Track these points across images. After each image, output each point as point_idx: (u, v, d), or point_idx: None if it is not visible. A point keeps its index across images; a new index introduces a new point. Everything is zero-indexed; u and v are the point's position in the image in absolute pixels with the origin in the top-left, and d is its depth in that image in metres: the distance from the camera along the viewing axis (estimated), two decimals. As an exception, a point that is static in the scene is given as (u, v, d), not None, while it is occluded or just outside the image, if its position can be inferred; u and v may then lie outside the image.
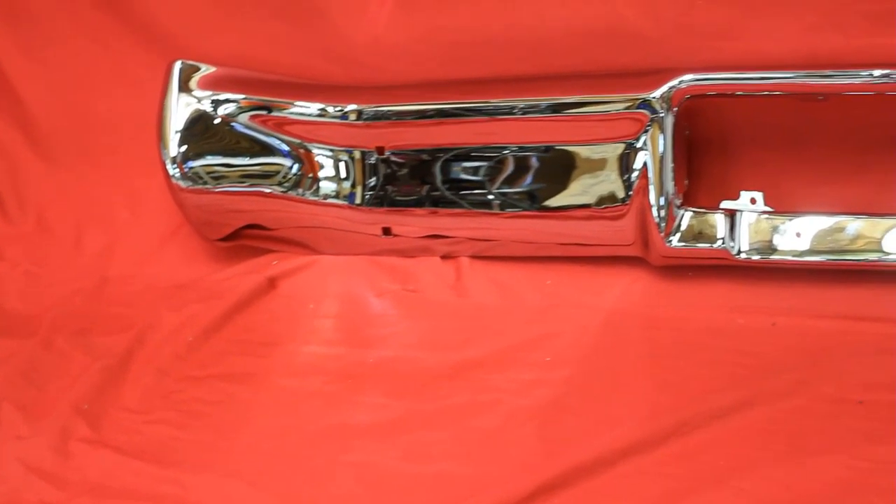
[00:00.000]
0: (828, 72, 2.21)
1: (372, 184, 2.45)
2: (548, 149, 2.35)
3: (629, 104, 2.28)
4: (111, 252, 2.73)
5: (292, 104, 2.45)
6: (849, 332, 2.23)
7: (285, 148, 2.46)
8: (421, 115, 2.41)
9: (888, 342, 2.17)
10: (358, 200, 2.48)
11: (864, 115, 2.31)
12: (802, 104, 2.28)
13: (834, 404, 2.05)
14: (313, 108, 2.44)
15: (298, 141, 2.46)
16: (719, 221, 2.32)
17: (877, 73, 2.17)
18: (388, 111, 2.40)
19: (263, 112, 2.44)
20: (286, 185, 2.48)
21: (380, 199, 2.46)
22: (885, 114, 2.30)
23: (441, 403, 2.18)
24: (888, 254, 2.26)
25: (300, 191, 2.48)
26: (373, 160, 2.44)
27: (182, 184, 2.48)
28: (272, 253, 2.61)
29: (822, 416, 2.04)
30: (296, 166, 2.46)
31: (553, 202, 2.37)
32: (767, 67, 2.24)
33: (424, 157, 2.42)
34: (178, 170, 2.45)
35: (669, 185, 2.27)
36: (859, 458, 1.93)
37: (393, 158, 2.42)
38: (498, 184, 2.39)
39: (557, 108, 2.35)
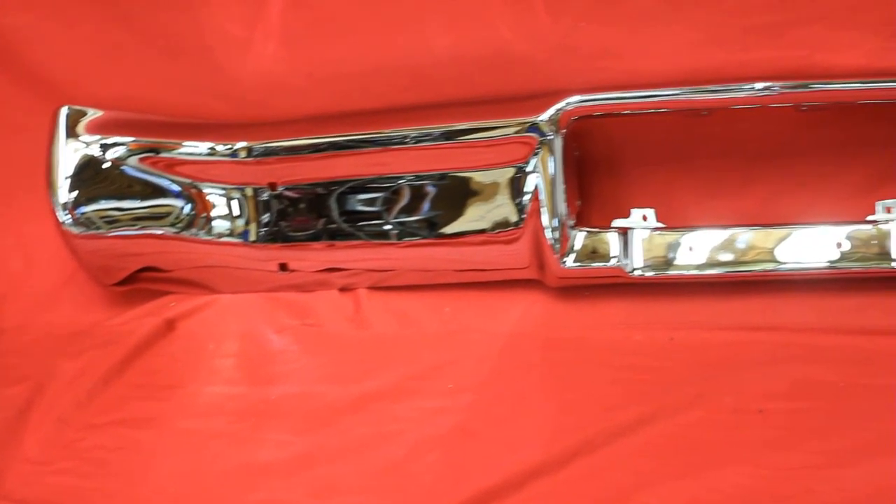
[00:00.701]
0: (710, 87, 2.25)
1: (266, 220, 2.43)
2: (442, 176, 2.36)
3: (518, 128, 2.28)
4: (4, 302, 2.69)
5: (181, 144, 2.43)
6: (746, 343, 2.26)
7: (176, 189, 2.43)
8: (312, 148, 2.40)
9: (784, 350, 2.21)
10: (252, 238, 2.45)
11: (749, 128, 2.35)
12: (688, 120, 2.30)
13: (734, 415, 2.07)
14: (202, 147, 2.41)
15: (189, 181, 2.44)
16: (612, 240, 2.33)
17: (758, 86, 2.21)
18: (278, 147, 2.38)
19: (152, 154, 2.42)
20: (179, 225, 2.44)
21: (274, 236, 2.44)
22: (769, 126, 2.33)
23: (346, 437, 2.17)
24: (781, 263, 2.29)
25: (194, 231, 2.45)
26: (265, 196, 2.42)
27: (74, 230, 2.44)
28: (170, 295, 2.58)
29: (724, 427, 2.06)
30: (188, 206, 2.44)
31: (449, 229, 2.37)
32: (652, 85, 2.26)
33: (319, 190, 2.41)
34: (69, 216, 2.42)
35: (562, 207, 2.27)
36: (761, 466, 1.96)
37: (286, 194, 2.40)
38: (394, 213, 2.38)
39: (449, 136, 2.35)
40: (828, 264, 2.29)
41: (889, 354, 2.17)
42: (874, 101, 2.23)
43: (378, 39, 2.38)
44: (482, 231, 2.34)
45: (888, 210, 2.25)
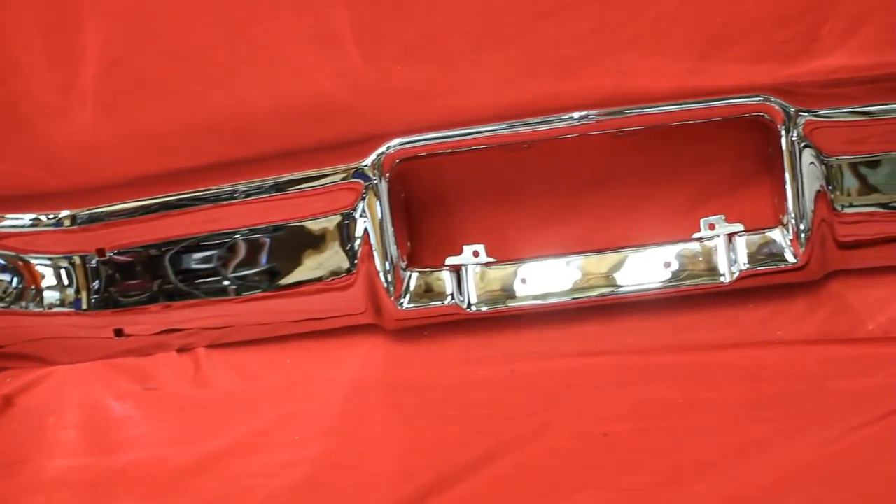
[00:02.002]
0: (529, 120, 2.28)
1: (97, 287, 2.40)
2: (275, 228, 2.34)
3: (343, 175, 2.29)
4: None
5: (4, 217, 2.40)
6: (585, 369, 2.29)
7: (2, 262, 2.39)
8: (141, 210, 2.38)
9: (624, 373, 2.24)
10: (85, 306, 2.42)
11: (571, 158, 2.40)
12: (511, 154, 2.34)
13: (580, 440, 2.11)
14: (26, 218, 2.39)
15: (15, 254, 2.38)
16: (446, 278, 2.34)
17: (576, 115, 2.25)
18: (103, 212, 2.36)
19: (-25, 229, 2.34)
20: (8, 300, 2.41)
21: (107, 302, 2.41)
22: (590, 154, 2.38)
23: (196, 498, 2.16)
24: (614, 287, 2.35)
25: (24, 304, 2.42)
26: (94, 263, 2.37)
27: None
28: (5, 371, 2.53)
29: (570, 453, 2.09)
30: (16, 280, 2.40)
31: (285, 280, 2.37)
32: (472, 123, 2.28)
33: (151, 252, 2.40)
34: None
35: (393, 249, 2.28)
36: (610, 488, 2.00)
37: (116, 259, 2.37)
38: (230, 269, 2.36)
39: (277, 187, 2.33)
40: (659, 284, 2.32)
41: (723, 368, 2.23)
42: (688, 121, 2.27)
43: (196, 97, 2.37)
44: (318, 279, 2.35)
45: (711, 227, 2.29)
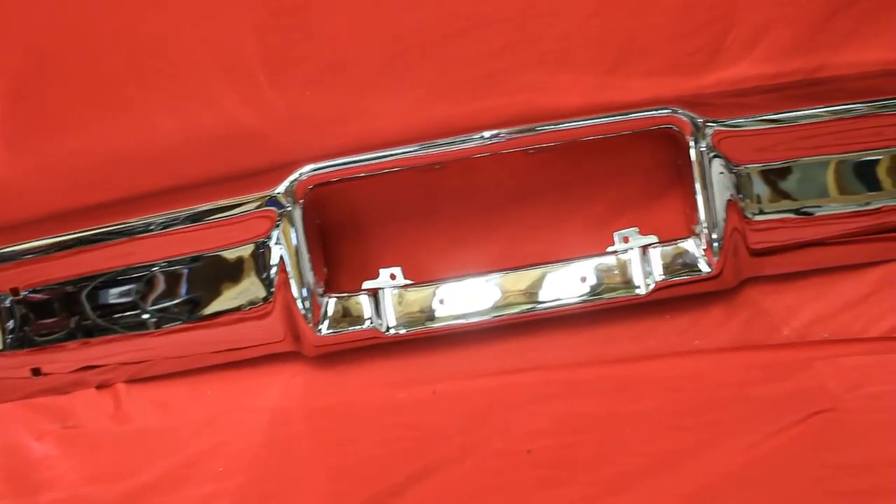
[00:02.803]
0: (440, 141, 2.29)
1: (12, 326, 2.38)
2: (192, 259, 2.34)
3: (258, 203, 2.28)
4: None
5: (-86, 263, 2.32)
6: (507, 387, 2.29)
7: (-85, 305, 2.33)
8: (55, 247, 2.37)
9: (545, 389, 2.25)
10: (0, 346, 2.34)
11: (485, 176, 2.41)
12: (424, 175, 2.34)
13: (504, 458, 2.11)
14: (-64, 261, 2.32)
15: (-72, 296, 2.33)
16: (364, 302, 2.34)
17: (487, 134, 2.26)
18: (15, 251, 2.35)
19: None
20: (-78, 343, 2.35)
21: (22, 341, 2.39)
22: (503, 172, 2.40)
23: (120, 535, 2.04)
24: (532, 304, 2.35)
25: (-61, 347, 2.35)
26: (8, 303, 2.34)
27: None
28: (-79, 418, 2.45)
29: (495, 471, 2.10)
30: (-71, 323, 2.34)
31: (204, 311, 2.36)
32: (384, 146, 2.29)
33: (68, 288, 2.37)
34: None
35: (309, 276, 2.28)
36: (535, 505, 1.89)
37: (31, 297, 2.33)
38: (149, 302, 2.35)
39: (193, 218, 2.32)
40: (577, 299, 2.34)
41: (644, 379, 2.24)
42: (598, 136, 2.28)
43: (106, 130, 2.36)
44: (236, 309, 2.34)
45: (625, 239, 2.31)
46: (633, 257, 2.31)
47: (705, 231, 2.26)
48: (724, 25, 2.29)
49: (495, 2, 2.26)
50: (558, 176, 2.39)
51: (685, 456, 1.99)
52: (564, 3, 2.28)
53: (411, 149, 2.28)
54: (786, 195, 2.28)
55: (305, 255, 2.29)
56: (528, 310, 2.35)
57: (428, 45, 2.30)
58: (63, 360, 2.42)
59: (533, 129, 2.27)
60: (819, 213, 2.30)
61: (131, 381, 2.46)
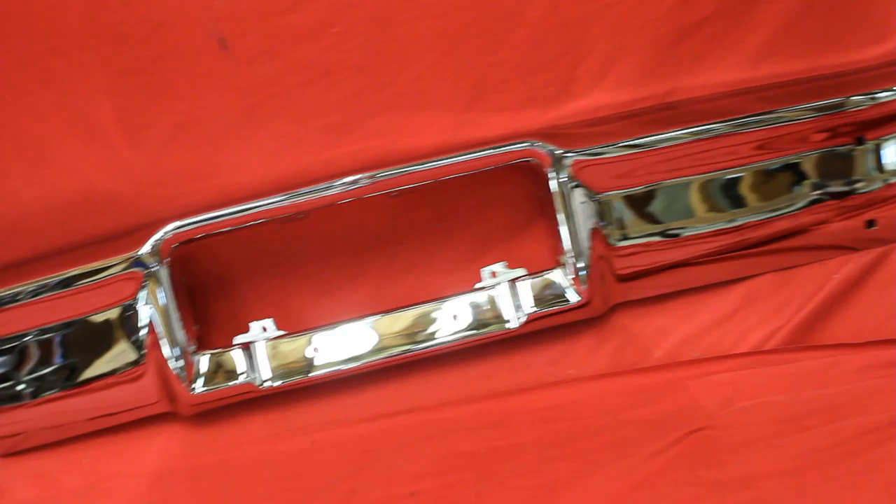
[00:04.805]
0: (300, 190, 2.30)
1: None
2: (64, 325, 2.29)
3: (124, 265, 2.25)
4: None
5: None
6: (387, 431, 2.30)
7: None
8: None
9: (425, 429, 2.26)
10: None
11: (350, 222, 2.41)
12: (288, 225, 2.34)
13: (388, 503, 2.05)
14: None
15: None
16: (237, 357, 2.34)
17: (346, 180, 2.27)
18: None
19: None
20: None
21: None
22: (367, 216, 2.41)
23: None
24: (406, 346, 2.38)
25: None
26: None
27: None
28: None
29: (379, 517, 2.00)
30: None
31: (77, 378, 2.34)
32: (244, 199, 2.27)
33: (-64, 365, 2.28)
34: None
35: (180, 335, 2.27)
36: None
37: None
38: (23, 372, 2.30)
39: (63, 284, 2.29)
40: (450, 337, 2.36)
41: (520, 412, 2.25)
42: (458, 174, 2.30)
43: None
44: (109, 374, 2.33)
45: (493, 274, 2.32)
46: (503, 292, 2.32)
47: (572, 260, 2.26)
48: (573, 57, 2.32)
49: (342, 51, 2.26)
50: (423, 216, 2.39)
51: (564, 486, 2.01)
52: (414, 46, 2.29)
53: (273, 199, 2.28)
54: (649, 219, 2.31)
55: (175, 314, 2.27)
56: (404, 352, 2.35)
57: (280, 96, 2.30)
58: (-65, 437, 2.33)
59: (392, 172, 2.28)
60: (682, 234, 2.36)
61: (6, 454, 2.37)
